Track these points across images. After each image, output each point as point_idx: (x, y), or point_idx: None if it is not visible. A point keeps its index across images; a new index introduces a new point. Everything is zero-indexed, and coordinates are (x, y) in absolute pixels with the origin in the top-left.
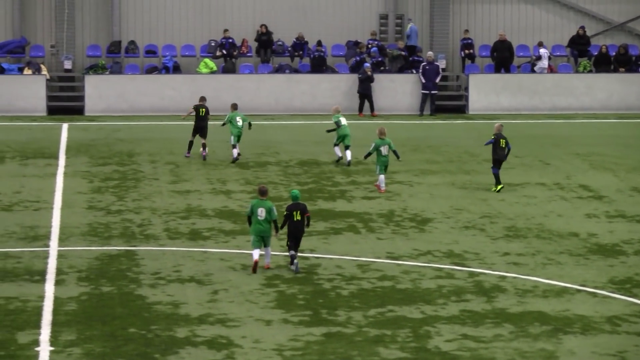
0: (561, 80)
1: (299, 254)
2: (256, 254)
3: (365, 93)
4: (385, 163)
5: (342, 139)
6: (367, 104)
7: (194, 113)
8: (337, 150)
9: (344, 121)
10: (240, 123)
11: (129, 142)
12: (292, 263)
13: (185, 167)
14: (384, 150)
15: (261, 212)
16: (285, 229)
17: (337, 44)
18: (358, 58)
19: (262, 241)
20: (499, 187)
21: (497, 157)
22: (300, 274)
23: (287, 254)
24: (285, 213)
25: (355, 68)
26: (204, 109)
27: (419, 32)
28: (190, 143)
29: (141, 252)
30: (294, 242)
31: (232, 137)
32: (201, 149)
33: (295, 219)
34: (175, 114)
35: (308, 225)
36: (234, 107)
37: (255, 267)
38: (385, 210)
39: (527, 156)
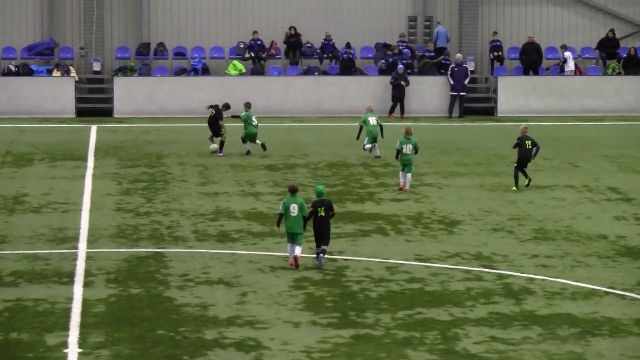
0: (590, 83)
1: (327, 255)
2: (290, 248)
3: (400, 97)
4: (406, 162)
5: (373, 139)
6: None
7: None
8: (370, 146)
9: (372, 121)
10: (255, 122)
11: (157, 144)
12: (318, 260)
13: (214, 169)
14: (406, 148)
15: (293, 209)
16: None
17: (366, 46)
18: (390, 60)
19: (292, 237)
20: (514, 189)
21: (522, 156)
22: (328, 275)
23: (315, 255)
24: (310, 209)
25: (385, 70)
26: (213, 112)
27: (448, 33)
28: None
29: (170, 254)
30: (319, 238)
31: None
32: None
33: (319, 215)
34: (204, 116)
35: (332, 215)
36: (249, 106)
37: (292, 262)
38: (414, 212)
39: (556, 158)
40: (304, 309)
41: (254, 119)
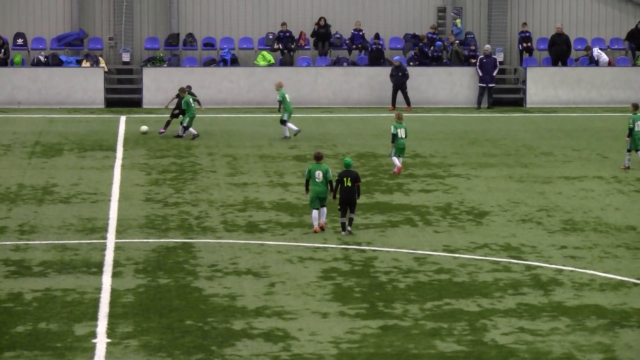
0: (619, 74)
1: (355, 246)
2: (315, 214)
3: (400, 89)
4: (402, 145)
5: (289, 115)
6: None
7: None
8: (291, 126)
9: (289, 97)
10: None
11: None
12: (343, 229)
13: (243, 160)
14: (400, 133)
15: (318, 175)
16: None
17: (395, 37)
18: (425, 49)
19: (319, 201)
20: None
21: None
22: (356, 266)
23: (342, 236)
24: (336, 179)
25: (410, 61)
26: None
27: (477, 25)
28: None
29: (198, 245)
30: (344, 208)
31: (188, 120)
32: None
33: (345, 185)
34: (233, 107)
35: (359, 195)
36: (184, 90)
37: (316, 229)
38: (442, 203)
39: (585, 149)
40: (332, 300)
41: (192, 101)
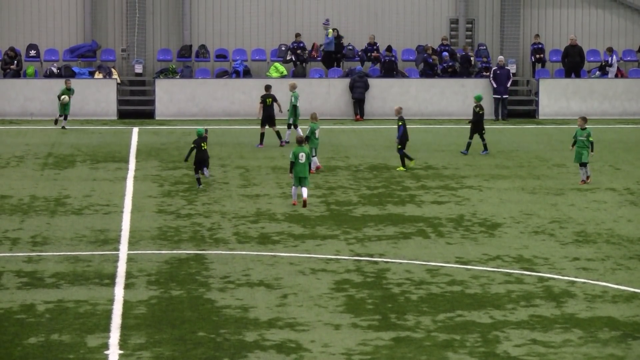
0: (632, 85)
1: (368, 258)
2: (294, 190)
3: (358, 99)
4: (316, 145)
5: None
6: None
7: (262, 104)
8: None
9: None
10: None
11: None
12: (199, 184)
13: (255, 171)
14: (317, 133)
15: (301, 157)
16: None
17: (407, 49)
18: (430, 60)
19: (300, 180)
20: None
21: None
22: (369, 277)
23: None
24: (192, 146)
25: (422, 73)
26: (270, 99)
27: (490, 37)
28: (262, 135)
29: (211, 256)
30: (200, 165)
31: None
32: (278, 139)
33: (203, 149)
34: (245, 118)
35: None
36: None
37: (295, 202)
38: (455, 215)
39: (598, 161)
40: (344, 311)
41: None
